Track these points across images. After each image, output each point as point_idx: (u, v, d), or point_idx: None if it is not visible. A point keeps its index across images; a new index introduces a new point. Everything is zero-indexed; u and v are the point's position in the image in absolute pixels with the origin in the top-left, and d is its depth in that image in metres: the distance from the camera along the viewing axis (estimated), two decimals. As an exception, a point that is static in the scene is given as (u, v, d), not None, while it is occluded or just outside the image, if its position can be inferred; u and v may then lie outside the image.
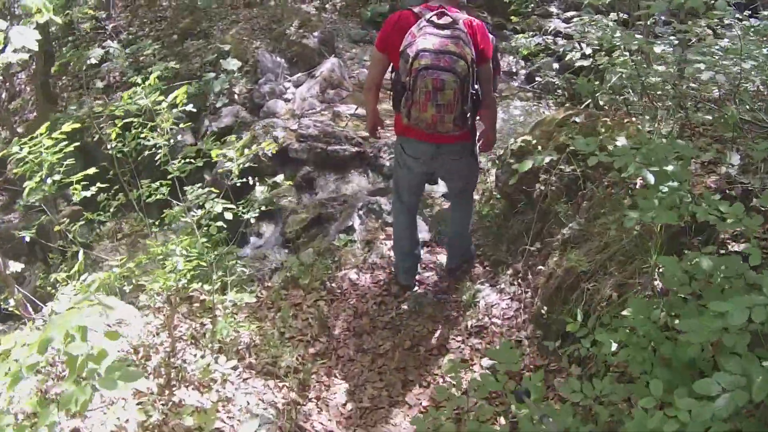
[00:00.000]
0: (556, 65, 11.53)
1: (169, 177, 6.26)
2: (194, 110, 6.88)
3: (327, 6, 13.82)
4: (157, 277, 5.11)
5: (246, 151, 6.28)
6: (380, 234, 7.32)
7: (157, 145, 5.95)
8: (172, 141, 6.00)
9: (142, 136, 5.97)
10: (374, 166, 9.30)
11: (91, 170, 5.89)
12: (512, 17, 13.21)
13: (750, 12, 6.68)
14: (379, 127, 6.08)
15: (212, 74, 11.57)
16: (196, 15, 13.21)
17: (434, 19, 4.72)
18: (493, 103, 5.50)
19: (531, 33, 13.18)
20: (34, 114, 13.20)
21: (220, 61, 11.71)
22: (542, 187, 6.49)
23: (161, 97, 5.83)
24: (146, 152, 6.30)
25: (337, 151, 9.30)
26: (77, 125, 5.85)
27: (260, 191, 9.38)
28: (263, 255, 8.25)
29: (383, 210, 7.53)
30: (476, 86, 4.89)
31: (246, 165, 6.44)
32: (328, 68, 11.09)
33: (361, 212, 7.57)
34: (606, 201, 5.74)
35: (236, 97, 11.45)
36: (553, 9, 14.13)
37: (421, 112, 4.74)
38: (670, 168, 3.77)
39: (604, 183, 5.85)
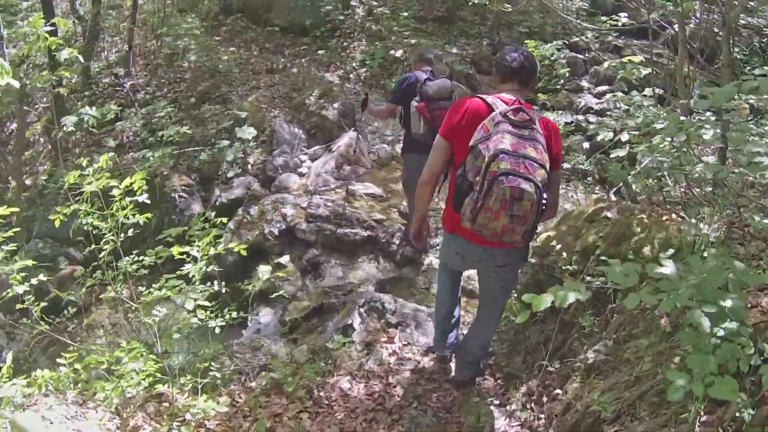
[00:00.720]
0: (586, 145, 10.80)
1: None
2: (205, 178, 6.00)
3: (351, 76, 13.28)
4: (103, 386, 4.43)
5: (213, 250, 5.46)
6: (381, 336, 6.56)
7: (107, 238, 5.19)
8: (122, 236, 5.18)
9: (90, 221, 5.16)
10: (386, 253, 8.61)
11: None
12: (540, 94, 12.55)
13: None
14: (424, 233, 5.27)
15: (226, 142, 10.98)
16: (216, 79, 12.69)
17: (510, 115, 4.22)
18: (555, 208, 4.87)
19: (560, 111, 12.63)
20: (45, 166, 12.65)
21: (236, 128, 11.12)
22: (567, 296, 5.77)
23: (113, 182, 5.09)
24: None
25: (348, 235, 8.64)
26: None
27: (263, 271, 8.75)
28: (259, 344, 7.52)
29: (386, 309, 6.79)
30: (545, 194, 4.22)
31: (208, 268, 5.41)
32: (346, 143, 10.47)
33: (362, 309, 6.82)
34: (639, 319, 5.00)
35: (250, 167, 10.86)
36: (584, 83, 13.48)
37: (492, 221, 4.16)
38: (727, 303, 3.04)
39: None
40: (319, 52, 13.79)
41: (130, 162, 11.25)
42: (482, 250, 4.70)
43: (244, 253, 5.93)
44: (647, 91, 8.01)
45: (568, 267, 5.77)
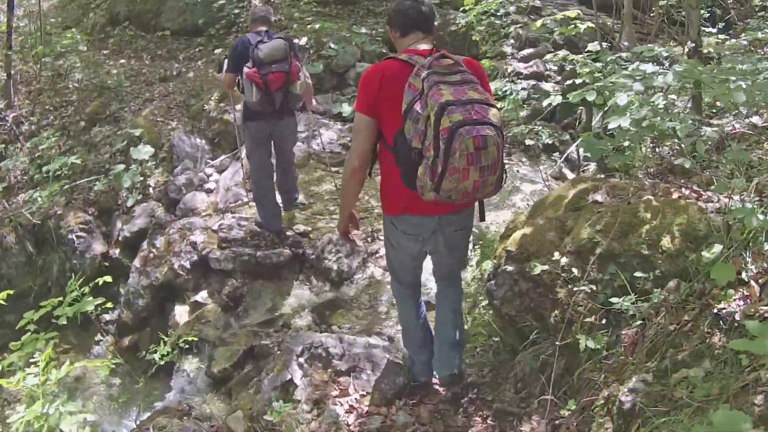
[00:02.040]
0: (522, 114, 9.42)
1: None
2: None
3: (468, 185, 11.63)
4: None
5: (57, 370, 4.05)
6: (331, 389, 5.07)
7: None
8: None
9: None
10: (318, 270, 7.20)
11: None
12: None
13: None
14: (353, 230, 4.62)
15: (122, 166, 9.40)
16: (106, 96, 11.05)
17: (435, 65, 3.69)
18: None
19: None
20: None
21: (131, 149, 9.54)
22: (562, 310, 4.37)
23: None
24: None
25: (269, 257, 7.16)
26: None
27: (180, 314, 7.31)
28: (186, 406, 5.98)
29: (332, 355, 5.31)
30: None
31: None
32: (253, 148, 8.94)
33: (302, 359, 5.33)
34: (680, 337, 3.64)
35: (151, 191, 9.30)
36: (507, 48, 12.10)
37: (462, 181, 3.57)
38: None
39: (669, 304, 3.82)
40: (216, 51, 12.16)
41: (20, 206, 9.60)
42: (437, 219, 4.16)
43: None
44: (591, 46, 6.78)
45: (561, 274, 4.40)
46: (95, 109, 10.79)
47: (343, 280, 7.01)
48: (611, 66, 5.54)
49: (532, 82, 10.38)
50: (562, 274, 4.47)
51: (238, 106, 9.66)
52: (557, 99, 6.41)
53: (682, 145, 4.79)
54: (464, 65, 3.82)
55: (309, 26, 11.97)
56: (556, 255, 4.60)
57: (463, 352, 4.96)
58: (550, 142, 8.33)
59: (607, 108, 4.94)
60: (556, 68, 11.45)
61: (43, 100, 11.43)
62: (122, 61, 12.51)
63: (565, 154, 8.07)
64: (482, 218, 4.44)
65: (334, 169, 8.93)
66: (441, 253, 4.46)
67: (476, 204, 4.34)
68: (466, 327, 5.37)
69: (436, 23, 4.19)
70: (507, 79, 10.43)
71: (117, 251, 9.02)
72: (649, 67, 4.65)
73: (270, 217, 7.36)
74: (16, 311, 8.96)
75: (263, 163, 7.18)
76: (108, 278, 5.20)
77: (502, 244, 5.18)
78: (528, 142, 7.88)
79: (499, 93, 7.69)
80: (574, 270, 4.43)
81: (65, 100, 11.28)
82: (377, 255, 7.22)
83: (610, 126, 4.33)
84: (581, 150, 6.72)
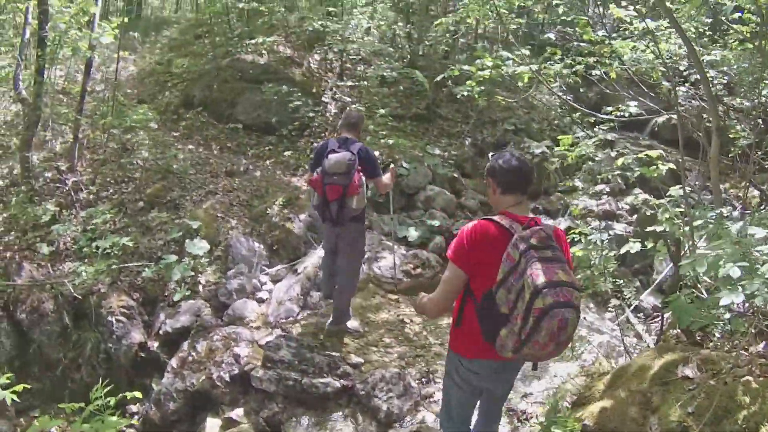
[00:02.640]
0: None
1: None
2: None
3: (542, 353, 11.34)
4: None
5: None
6: None
7: None
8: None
9: None
10: (366, 408, 6.63)
11: None
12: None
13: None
14: None
15: (174, 257, 9.01)
16: (169, 180, 10.75)
17: (533, 241, 3.84)
18: None
19: (553, 216, 10.94)
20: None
21: (186, 241, 9.16)
22: None
23: None
24: None
25: (316, 386, 6.64)
26: None
27: (210, 427, 6.78)
28: None
29: None
30: None
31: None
32: (314, 263, 8.51)
33: None
34: None
35: (201, 288, 8.88)
36: (578, 183, 11.70)
37: (540, 351, 3.82)
38: None
39: None
40: (286, 153, 11.91)
41: (64, 275, 9.21)
42: (502, 363, 4.31)
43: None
44: (673, 191, 6.37)
45: None
46: (156, 192, 10.50)
47: (392, 422, 6.44)
48: (704, 220, 4.99)
49: (604, 222, 9.94)
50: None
51: (303, 216, 9.32)
52: (636, 246, 5.91)
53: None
54: (554, 238, 3.95)
55: (383, 141, 11.67)
56: (640, 434, 4.08)
57: None
58: (630, 299, 7.79)
59: (689, 260, 4.41)
60: (628, 207, 11.02)
61: (106, 171, 11.13)
62: (190, 146, 12.28)
63: (633, 305, 7.54)
64: (534, 368, 4.53)
65: (393, 297, 8.45)
66: (495, 395, 4.74)
67: None
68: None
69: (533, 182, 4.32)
70: (580, 220, 10.02)
71: (156, 345, 8.56)
72: (760, 231, 4.16)
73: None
74: (42, 380, 8.60)
75: (326, 262, 7.44)
76: (138, 394, 4.85)
77: (575, 412, 4.67)
78: (613, 302, 7.33)
79: (576, 235, 7.11)
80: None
81: (128, 176, 10.98)
82: (431, 399, 6.66)
83: (722, 302, 3.81)
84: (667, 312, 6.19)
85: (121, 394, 4.78)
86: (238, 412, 6.86)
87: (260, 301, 8.40)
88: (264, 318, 8.02)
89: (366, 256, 9.02)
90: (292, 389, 6.68)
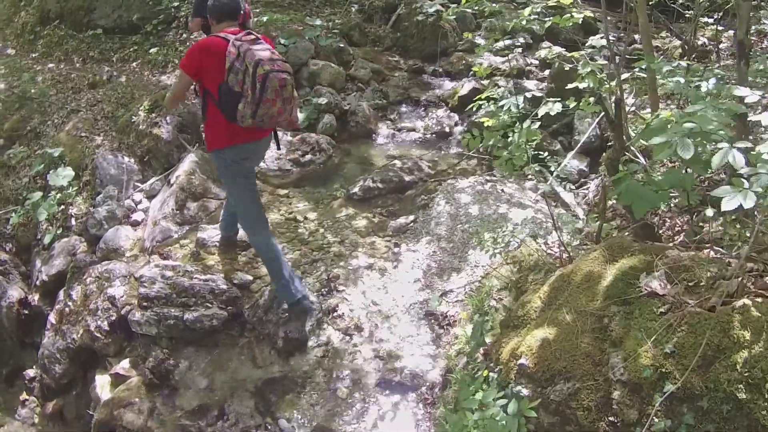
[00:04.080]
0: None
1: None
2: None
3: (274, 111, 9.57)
4: None
5: None
6: None
7: None
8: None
9: None
10: (261, 336, 5.29)
11: None
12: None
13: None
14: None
15: (38, 194, 7.34)
16: (27, 109, 8.86)
17: (244, 38, 4.76)
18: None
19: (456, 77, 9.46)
20: None
21: (49, 173, 7.47)
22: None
23: None
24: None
25: (200, 321, 5.22)
26: None
27: (101, 385, 5.59)
28: None
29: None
30: None
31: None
32: (186, 169, 6.89)
33: None
34: None
35: (74, 223, 7.22)
36: (479, 40, 10.03)
37: (270, 107, 4.72)
38: None
39: None
40: (152, 51, 9.95)
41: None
42: (256, 142, 5.13)
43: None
44: (594, 41, 4.95)
45: (607, 415, 2.84)
46: (14, 125, 8.68)
47: (292, 349, 5.11)
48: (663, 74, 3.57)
49: (512, 81, 8.42)
50: (609, 417, 2.59)
51: (170, 117, 7.64)
52: (556, 107, 4.43)
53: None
54: (263, 39, 4.85)
55: (256, 19, 9.78)
56: (599, 381, 2.71)
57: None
58: (552, 165, 6.26)
59: (648, 130, 2.99)
60: (537, 62, 9.46)
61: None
62: (51, 65, 10.30)
63: (558, 170, 6.09)
64: (278, 147, 5.52)
65: (282, 192, 6.91)
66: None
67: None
68: None
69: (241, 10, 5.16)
70: (487, 81, 8.49)
71: (36, 297, 7.00)
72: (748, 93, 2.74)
73: None
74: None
75: None
76: None
77: (507, 342, 3.33)
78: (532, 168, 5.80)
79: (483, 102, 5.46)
80: (630, 412, 2.54)
81: (-17, 114, 9.08)
82: (335, 313, 5.29)
83: (725, 207, 2.36)
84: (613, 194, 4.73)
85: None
86: (124, 365, 5.49)
87: (135, 224, 6.85)
88: (141, 244, 6.48)
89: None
90: (175, 328, 5.25)
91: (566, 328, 3.08)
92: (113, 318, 5.66)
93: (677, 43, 9.18)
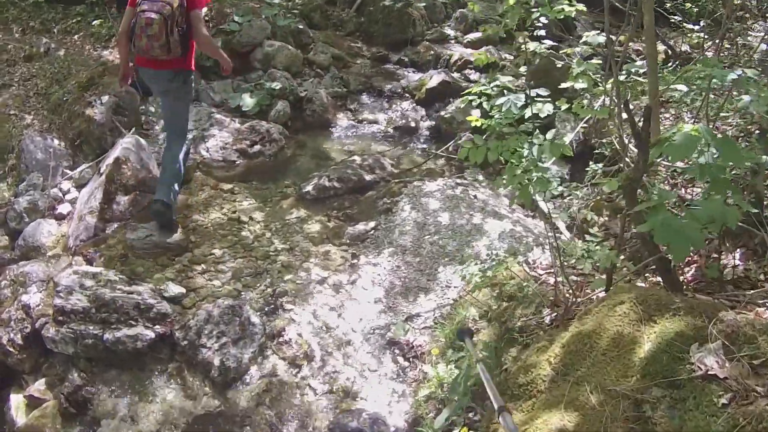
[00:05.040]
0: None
1: None
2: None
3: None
4: None
5: None
6: None
7: None
8: None
9: None
10: (192, 362, 4.38)
11: None
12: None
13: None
14: (127, 73, 5.80)
15: (-45, 179, 6.28)
16: (-43, 83, 7.70)
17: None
18: (203, 40, 5.47)
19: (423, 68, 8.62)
20: None
21: (-31, 156, 6.42)
22: None
23: None
24: None
25: (122, 342, 4.28)
26: None
27: (15, 407, 4.59)
28: None
29: None
30: (184, 26, 5.28)
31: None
32: (118, 157, 5.85)
33: None
34: None
35: (-6, 211, 6.17)
36: (449, 31, 9.13)
37: (138, 41, 5.18)
38: None
39: None
40: (95, 23, 8.82)
41: None
42: (153, 72, 5.55)
43: None
44: (590, 37, 4.12)
45: None
46: (-59, 101, 7.50)
47: (229, 380, 4.20)
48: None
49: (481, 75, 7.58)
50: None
51: (106, 97, 6.62)
52: (547, 108, 3.58)
53: None
54: None
55: (208, -6, 8.73)
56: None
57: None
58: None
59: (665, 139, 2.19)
60: (512, 57, 8.59)
61: None
62: (-13, 34, 9.09)
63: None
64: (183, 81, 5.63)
65: (226, 187, 5.96)
66: (162, 105, 6.05)
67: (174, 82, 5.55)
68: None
69: None
70: (458, 74, 7.63)
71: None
72: None
73: None
74: None
75: None
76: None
77: None
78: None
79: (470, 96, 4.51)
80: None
81: None
82: (281, 338, 4.39)
83: None
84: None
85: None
86: (39, 386, 4.51)
87: (61, 218, 5.84)
88: (65, 242, 5.48)
89: (191, 135, 6.48)
90: (93, 349, 4.29)
91: (591, 414, 2.25)
92: (27, 331, 4.67)
93: (661, 48, 8.44)
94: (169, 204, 5.33)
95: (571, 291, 3.46)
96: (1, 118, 6.98)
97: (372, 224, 5.51)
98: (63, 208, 5.89)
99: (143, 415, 4.11)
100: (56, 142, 6.56)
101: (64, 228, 5.66)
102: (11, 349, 4.67)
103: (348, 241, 5.40)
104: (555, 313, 3.49)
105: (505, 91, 3.74)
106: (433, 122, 7.38)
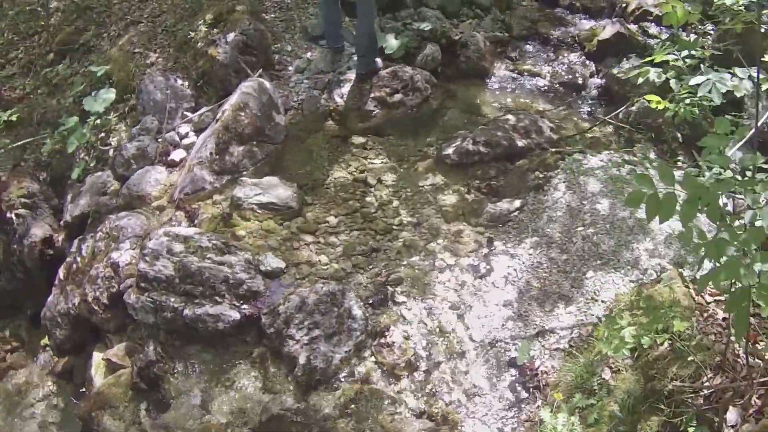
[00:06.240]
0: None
1: None
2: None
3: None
4: None
5: None
6: None
7: None
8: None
9: None
10: (277, 353, 3.75)
11: None
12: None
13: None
14: None
15: (74, 119, 5.82)
16: (86, 18, 7.29)
17: None
18: None
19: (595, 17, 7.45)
20: None
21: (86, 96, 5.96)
22: None
23: None
24: None
25: (203, 320, 3.64)
26: None
27: (96, 367, 4.37)
28: None
29: None
30: None
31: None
32: (236, 103, 5.17)
33: None
34: None
35: (111, 154, 5.68)
36: None
37: None
38: None
39: None
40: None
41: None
42: None
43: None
44: None
45: None
46: (66, 37, 7.14)
47: (314, 382, 3.57)
48: None
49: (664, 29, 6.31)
50: None
51: (231, 35, 5.93)
52: (745, 85, 2.48)
53: None
54: None
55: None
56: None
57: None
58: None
59: None
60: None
61: (12, 25, 7.74)
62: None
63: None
64: None
65: (358, 141, 5.23)
66: None
67: None
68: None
69: None
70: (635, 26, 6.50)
71: (61, 238, 5.60)
72: None
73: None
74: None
75: None
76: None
77: None
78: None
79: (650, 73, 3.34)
80: None
81: (42, 25, 7.57)
82: (384, 339, 3.60)
83: None
84: None
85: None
86: (119, 351, 4.28)
87: (173, 165, 5.31)
88: (172, 192, 4.86)
89: (328, 78, 5.71)
90: (173, 323, 3.66)
91: None
92: (113, 290, 4.29)
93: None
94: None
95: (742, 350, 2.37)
96: (125, 56, 6.54)
97: (517, 203, 4.57)
98: (176, 155, 5.34)
99: (216, 404, 3.67)
100: (179, 82, 6.01)
101: (174, 177, 5.12)
102: (96, 308, 4.42)
103: (486, 222, 4.50)
104: (721, 380, 2.45)
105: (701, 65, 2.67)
106: (604, 80, 6.21)
